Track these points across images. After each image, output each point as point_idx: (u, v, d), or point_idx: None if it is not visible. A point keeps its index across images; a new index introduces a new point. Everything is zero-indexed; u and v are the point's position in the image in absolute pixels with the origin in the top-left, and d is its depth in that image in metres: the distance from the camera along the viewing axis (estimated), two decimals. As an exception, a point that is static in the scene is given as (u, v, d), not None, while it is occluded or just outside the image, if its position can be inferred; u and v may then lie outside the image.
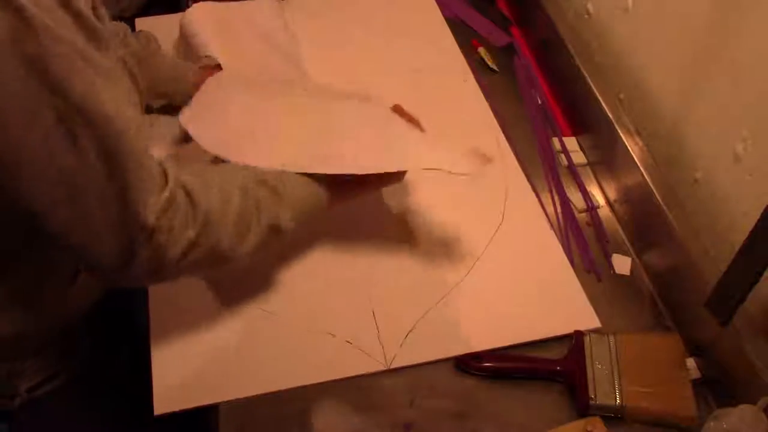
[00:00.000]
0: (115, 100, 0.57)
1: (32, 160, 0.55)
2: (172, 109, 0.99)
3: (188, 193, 0.64)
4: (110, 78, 0.58)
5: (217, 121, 0.84)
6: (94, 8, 0.61)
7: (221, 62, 0.97)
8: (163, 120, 1.00)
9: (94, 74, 0.55)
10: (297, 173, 0.75)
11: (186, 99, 0.98)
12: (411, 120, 0.85)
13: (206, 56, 0.99)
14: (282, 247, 0.85)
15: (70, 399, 0.86)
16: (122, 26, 0.94)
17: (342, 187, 0.78)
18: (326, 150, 0.79)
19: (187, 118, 0.84)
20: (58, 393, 0.83)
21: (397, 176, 0.83)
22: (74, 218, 0.58)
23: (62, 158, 0.55)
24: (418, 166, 0.80)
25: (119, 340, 0.98)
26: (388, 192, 0.95)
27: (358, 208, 0.93)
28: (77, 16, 0.55)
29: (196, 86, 0.96)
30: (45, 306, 0.77)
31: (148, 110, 0.98)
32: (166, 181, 0.62)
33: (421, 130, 0.85)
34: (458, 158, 0.79)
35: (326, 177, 0.76)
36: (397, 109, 0.86)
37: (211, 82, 0.91)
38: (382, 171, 0.77)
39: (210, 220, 0.65)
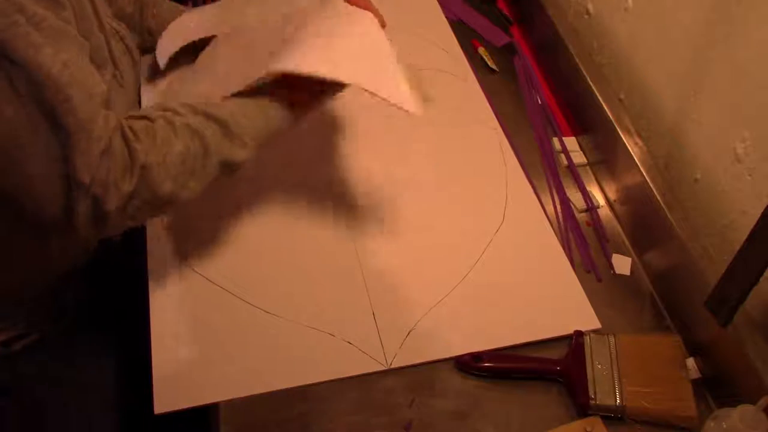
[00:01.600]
0: (59, 55, 0.59)
1: None
2: None
3: (128, 143, 0.65)
4: (57, 35, 0.60)
5: (179, 37, 0.89)
6: None
7: None
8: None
9: (35, 31, 0.58)
10: (247, 98, 0.74)
11: None
12: (365, 4, 0.82)
13: None
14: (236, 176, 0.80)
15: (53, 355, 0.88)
16: None
17: (292, 98, 0.76)
18: (273, 55, 0.77)
19: (159, 45, 0.91)
20: (39, 348, 0.85)
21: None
22: (13, 169, 0.61)
23: (3, 109, 0.58)
24: (359, 82, 0.76)
25: (106, 299, 0.99)
26: (388, 191, 0.95)
27: (359, 208, 0.93)
28: None
29: None
30: (16, 266, 0.78)
31: (147, 51, 1.01)
32: (106, 133, 0.63)
33: (378, 17, 0.83)
34: (403, 87, 0.76)
35: (276, 92, 0.75)
36: None
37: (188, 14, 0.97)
38: (321, 76, 0.73)
39: (149, 167, 0.66)
